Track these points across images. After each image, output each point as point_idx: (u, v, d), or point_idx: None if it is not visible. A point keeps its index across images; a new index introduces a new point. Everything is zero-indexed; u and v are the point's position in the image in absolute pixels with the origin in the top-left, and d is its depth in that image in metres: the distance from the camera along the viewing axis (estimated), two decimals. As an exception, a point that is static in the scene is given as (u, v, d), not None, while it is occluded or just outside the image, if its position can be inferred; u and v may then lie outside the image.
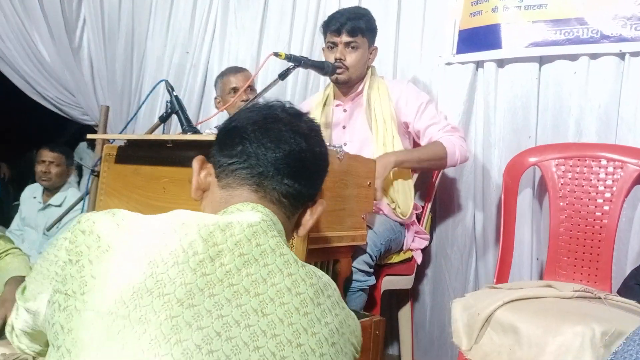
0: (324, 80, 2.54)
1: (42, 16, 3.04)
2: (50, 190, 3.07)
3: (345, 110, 2.13)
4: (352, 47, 2.03)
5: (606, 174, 1.83)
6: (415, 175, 2.11)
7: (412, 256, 2.07)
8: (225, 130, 0.89)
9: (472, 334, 1.45)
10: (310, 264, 0.82)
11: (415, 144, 2.12)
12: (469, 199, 2.29)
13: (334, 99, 2.17)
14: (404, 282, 2.11)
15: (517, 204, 2.01)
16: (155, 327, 0.62)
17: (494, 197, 2.20)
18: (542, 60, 2.13)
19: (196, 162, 0.90)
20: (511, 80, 2.19)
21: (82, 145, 4.63)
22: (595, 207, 1.82)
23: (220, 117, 2.67)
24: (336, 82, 2.10)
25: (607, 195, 1.81)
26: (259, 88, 2.62)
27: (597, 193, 1.83)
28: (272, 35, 2.93)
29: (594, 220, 1.81)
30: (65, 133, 4.86)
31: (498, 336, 1.41)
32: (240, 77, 2.50)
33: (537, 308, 1.44)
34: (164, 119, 1.80)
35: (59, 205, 2.99)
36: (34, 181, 3.20)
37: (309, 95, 2.63)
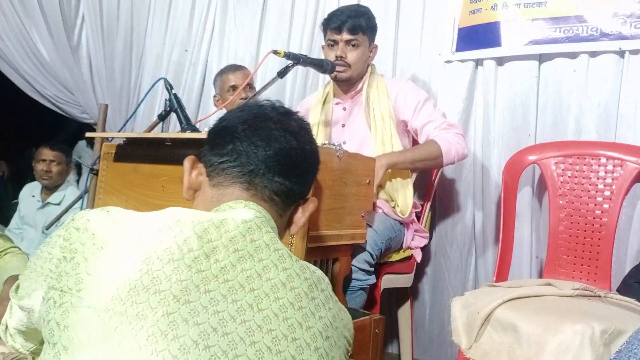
0: (323, 78, 2.54)
1: (40, 14, 3.03)
2: (49, 189, 3.07)
3: (344, 109, 2.13)
4: (353, 45, 2.02)
5: (606, 172, 1.83)
6: (415, 174, 2.11)
7: (412, 254, 2.07)
8: (216, 130, 0.89)
9: (472, 332, 1.45)
10: (309, 262, 0.82)
11: (415, 142, 2.12)
12: (469, 197, 2.29)
13: (334, 97, 2.16)
14: (403, 280, 2.11)
15: (516, 202, 2.00)
16: (152, 324, 0.63)
17: (494, 195, 2.19)
18: (541, 58, 2.13)
19: (187, 162, 0.90)
20: (510, 78, 2.18)
21: (81, 143, 4.63)
22: (595, 205, 1.82)
23: (219, 115, 2.66)
24: (337, 80, 2.10)
25: (607, 193, 1.81)
26: (258, 86, 2.62)
27: (596, 191, 1.83)
28: (271, 33, 2.93)
29: (594, 218, 1.81)
30: (64, 131, 4.86)
31: (498, 335, 1.41)
32: (239, 75, 2.49)
33: (536, 306, 1.44)
34: (162, 117, 1.80)
35: (58, 204, 2.99)
36: (32, 179, 3.19)
37: (308, 93, 2.62)
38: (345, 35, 2.01)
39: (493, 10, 2.19)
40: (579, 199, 1.84)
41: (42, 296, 0.70)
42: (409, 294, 2.24)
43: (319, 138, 2.09)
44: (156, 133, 1.83)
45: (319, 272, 0.80)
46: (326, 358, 0.71)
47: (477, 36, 2.23)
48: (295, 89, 2.78)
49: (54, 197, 3.04)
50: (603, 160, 1.84)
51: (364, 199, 1.57)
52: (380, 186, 1.94)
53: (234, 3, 3.08)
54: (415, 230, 2.05)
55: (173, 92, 1.76)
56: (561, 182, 1.88)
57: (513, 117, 2.17)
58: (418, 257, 2.08)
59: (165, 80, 1.80)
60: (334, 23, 2.01)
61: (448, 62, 2.34)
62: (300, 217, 0.91)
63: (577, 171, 1.87)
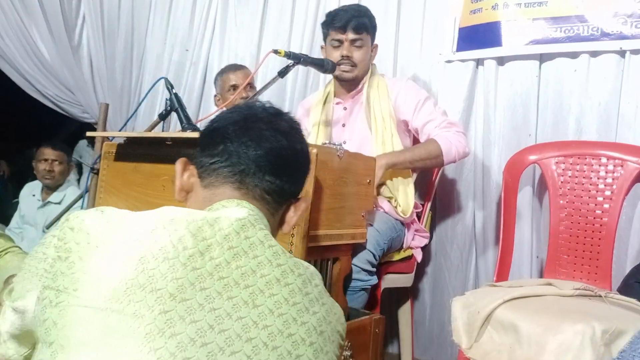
0: (324, 77, 2.53)
1: (41, 14, 3.03)
2: (49, 188, 3.07)
3: (345, 108, 2.13)
4: (358, 45, 2.02)
5: (606, 172, 1.83)
6: (415, 174, 2.11)
7: (412, 254, 2.07)
8: (207, 132, 0.90)
9: (472, 332, 1.45)
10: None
11: (416, 142, 2.11)
12: (469, 197, 2.29)
13: (335, 96, 2.16)
14: (404, 280, 2.11)
15: (517, 202, 2.00)
16: (149, 322, 0.63)
17: (494, 195, 2.19)
18: (542, 58, 2.13)
19: (179, 164, 0.91)
20: (511, 78, 2.18)
21: (82, 143, 4.63)
22: (595, 205, 1.82)
23: (219, 115, 2.66)
24: (342, 80, 2.08)
25: (607, 193, 1.80)
26: (258, 86, 2.62)
27: (597, 191, 1.83)
28: (272, 32, 2.93)
29: (594, 218, 1.81)
30: (65, 131, 4.86)
31: (498, 335, 1.41)
32: (239, 74, 2.49)
33: (537, 306, 1.44)
34: (163, 116, 1.80)
35: (59, 203, 2.99)
36: (33, 179, 3.19)
37: (309, 93, 2.62)
38: (350, 35, 2.00)
39: (494, 10, 2.18)
40: (580, 199, 1.84)
41: (37, 296, 0.70)
42: (410, 293, 2.24)
43: (320, 137, 2.09)
44: (157, 132, 1.83)
45: (312, 268, 0.81)
46: (321, 352, 0.72)
47: (478, 36, 2.23)
48: (296, 89, 2.78)
49: (55, 197, 3.04)
50: (604, 160, 1.84)
51: (365, 198, 1.57)
52: (381, 185, 1.93)
53: (234, 2, 3.08)
54: (416, 230, 2.05)
55: (174, 91, 1.76)
56: (562, 182, 1.88)
57: (513, 117, 2.17)
58: (418, 256, 2.08)
59: (166, 79, 1.80)
60: (338, 22, 2.00)
61: (449, 61, 2.34)
62: (293, 216, 0.92)
63: (577, 171, 1.87)
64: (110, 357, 0.63)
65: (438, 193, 2.33)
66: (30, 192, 3.14)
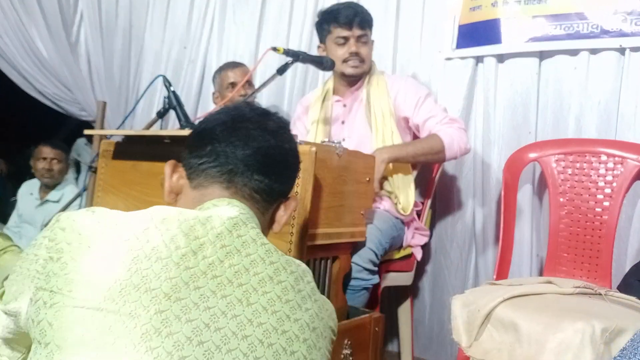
0: (323, 75, 2.53)
1: (39, 12, 3.01)
2: (48, 187, 3.07)
3: (344, 106, 2.12)
4: (364, 41, 2.01)
5: (606, 170, 1.82)
6: (415, 171, 2.10)
7: (412, 253, 2.07)
8: (195, 133, 0.90)
9: (472, 330, 1.45)
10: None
11: (416, 139, 2.10)
12: (469, 195, 2.28)
13: (334, 93, 2.15)
14: (403, 278, 2.10)
15: (517, 201, 2.00)
16: (145, 322, 0.64)
17: (494, 193, 2.19)
18: (542, 56, 2.12)
19: (168, 166, 0.91)
20: (511, 76, 2.17)
21: (80, 141, 4.62)
22: (596, 203, 1.81)
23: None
24: (350, 77, 2.06)
25: (607, 191, 1.80)
26: (257, 84, 2.61)
27: (597, 189, 1.82)
28: (271, 30, 2.92)
29: (594, 216, 1.80)
30: (64, 129, 4.85)
31: (498, 333, 1.40)
32: (238, 72, 2.49)
33: (537, 305, 1.43)
34: (161, 114, 1.79)
35: (57, 201, 2.99)
36: (31, 177, 3.18)
37: (308, 91, 2.62)
38: (356, 31, 1.99)
39: (493, 7, 2.18)
40: (580, 197, 1.84)
41: (30, 297, 0.69)
42: (409, 292, 2.23)
43: (319, 135, 2.08)
44: (155, 130, 1.83)
45: (304, 266, 0.82)
46: (314, 349, 0.73)
47: (478, 33, 2.22)
48: (295, 86, 2.77)
49: (53, 195, 3.03)
50: (604, 157, 1.83)
51: (364, 196, 1.57)
52: (383, 180, 1.92)
53: (233, 0, 3.07)
54: (416, 228, 2.05)
55: (172, 89, 1.75)
56: (562, 180, 1.88)
57: (513, 115, 2.17)
58: (418, 255, 2.08)
59: (164, 77, 1.80)
60: (343, 19, 1.98)
61: (448, 59, 2.33)
62: (283, 215, 0.92)
63: (577, 169, 1.87)
64: (108, 357, 0.63)
65: (438, 191, 2.33)
66: (29, 191, 3.13)
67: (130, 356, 0.62)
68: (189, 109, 2.84)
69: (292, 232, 1.30)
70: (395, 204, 1.93)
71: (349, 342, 1.40)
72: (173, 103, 1.72)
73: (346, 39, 2.00)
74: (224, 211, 0.78)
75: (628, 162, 1.79)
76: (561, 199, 1.86)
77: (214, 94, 2.59)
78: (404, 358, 2.22)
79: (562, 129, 2.06)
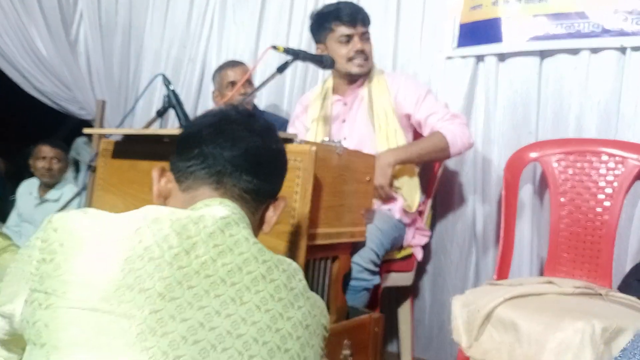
0: (323, 74, 2.52)
1: (39, 11, 3.01)
2: (47, 186, 3.06)
3: (345, 104, 2.11)
4: (367, 37, 2.01)
5: (607, 170, 1.82)
6: (418, 168, 2.09)
7: (412, 253, 2.06)
8: (182, 137, 0.91)
9: (472, 331, 1.44)
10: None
11: (417, 136, 2.09)
12: (469, 195, 2.28)
13: (334, 92, 2.14)
14: (404, 279, 2.10)
15: (517, 200, 1.99)
16: (140, 322, 0.64)
17: (494, 193, 2.18)
18: (542, 55, 2.12)
19: (155, 171, 0.92)
20: (512, 75, 2.17)
21: (80, 140, 4.60)
22: (596, 202, 1.81)
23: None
24: (355, 75, 2.04)
25: (608, 191, 1.79)
26: (257, 82, 2.61)
27: (597, 189, 1.82)
28: (270, 29, 2.92)
29: (595, 216, 1.80)
30: (63, 128, 4.84)
31: (498, 333, 1.40)
32: (238, 70, 2.48)
33: (537, 305, 1.43)
34: (161, 113, 1.79)
35: (56, 201, 2.99)
36: (30, 176, 3.18)
37: (308, 89, 2.61)
38: (360, 28, 1.98)
39: (494, 6, 2.17)
40: (580, 197, 1.83)
41: (25, 299, 0.70)
42: (409, 292, 2.23)
43: (319, 134, 2.08)
44: (154, 129, 1.82)
45: (295, 264, 0.83)
46: (307, 346, 0.75)
47: (478, 32, 2.22)
48: (295, 85, 2.77)
49: (52, 194, 3.03)
50: (604, 157, 1.83)
51: (364, 196, 1.56)
52: (393, 177, 1.91)
53: (232, -1, 3.06)
54: (417, 228, 2.04)
55: (171, 88, 1.75)
56: (562, 180, 1.87)
57: (514, 114, 2.16)
58: (419, 255, 2.07)
59: (164, 76, 1.79)
60: (346, 17, 1.97)
61: (449, 58, 2.32)
62: (272, 215, 0.93)
63: (578, 168, 1.86)
64: (104, 357, 0.63)
65: (438, 191, 2.32)
66: (28, 190, 3.13)
67: (126, 356, 0.63)
68: (188, 108, 2.83)
69: (291, 232, 1.29)
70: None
71: (349, 343, 1.39)
72: (172, 102, 1.72)
73: (350, 37, 1.98)
74: (216, 211, 0.79)
75: (629, 161, 1.78)
76: (562, 199, 1.86)
77: (213, 92, 2.59)
78: (404, 358, 2.21)
79: (563, 128, 2.06)
